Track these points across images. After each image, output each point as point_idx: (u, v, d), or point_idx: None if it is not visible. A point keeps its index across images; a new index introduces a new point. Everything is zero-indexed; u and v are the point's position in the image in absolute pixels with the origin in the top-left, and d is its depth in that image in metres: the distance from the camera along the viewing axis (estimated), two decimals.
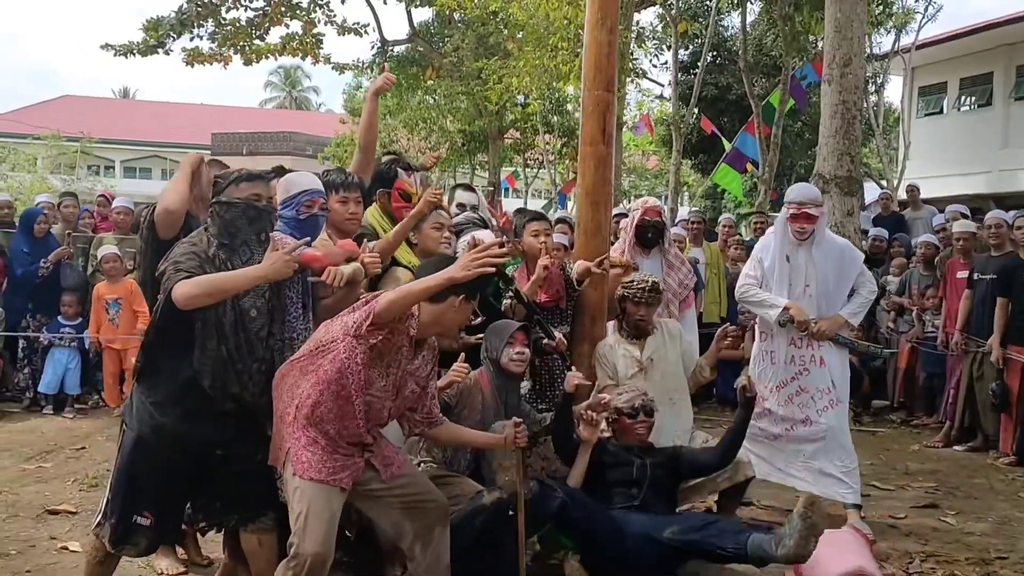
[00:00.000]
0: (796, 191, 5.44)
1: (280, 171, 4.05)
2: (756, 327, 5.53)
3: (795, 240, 5.27)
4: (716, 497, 4.90)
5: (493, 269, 3.30)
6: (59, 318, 8.45)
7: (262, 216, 3.58)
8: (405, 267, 4.43)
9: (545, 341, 4.66)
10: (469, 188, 6.52)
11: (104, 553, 3.53)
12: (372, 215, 4.82)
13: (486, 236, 4.89)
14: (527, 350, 4.26)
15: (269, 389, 3.47)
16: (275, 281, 3.46)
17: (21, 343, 8.52)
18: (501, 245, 3.36)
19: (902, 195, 15.20)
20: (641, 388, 4.72)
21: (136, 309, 8.04)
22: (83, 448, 6.87)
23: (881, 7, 16.03)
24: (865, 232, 10.08)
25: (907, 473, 6.69)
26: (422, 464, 4.08)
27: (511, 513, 3.84)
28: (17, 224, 8.97)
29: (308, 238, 3.64)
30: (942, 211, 10.23)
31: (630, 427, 4.55)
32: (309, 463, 3.28)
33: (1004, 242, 7.40)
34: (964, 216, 8.93)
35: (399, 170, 4.97)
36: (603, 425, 4.43)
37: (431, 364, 3.65)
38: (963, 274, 7.72)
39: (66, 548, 4.62)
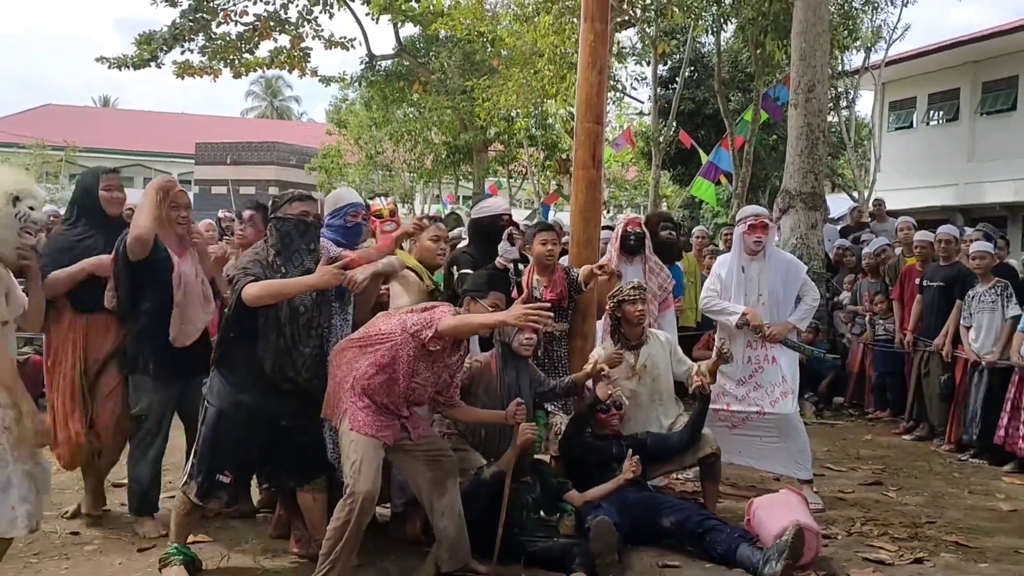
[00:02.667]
0: (748, 210, 6.21)
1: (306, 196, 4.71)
2: (717, 335, 6.19)
3: (749, 254, 5.97)
4: (697, 481, 5.64)
5: (541, 327, 4.10)
6: None
7: (310, 229, 4.31)
8: (410, 269, 5.10)
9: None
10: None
11: (191, 506, 4.19)
12: None
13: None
14: (535, 336, 4.90)
15: (320, 372, 4.19)
16: (323, 289, 4.20)
17: None
18: (549, 309, 4.06)
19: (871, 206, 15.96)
20: (631, 390, 5.42)
21: None
22: None
23: (847, 32, 16.73)
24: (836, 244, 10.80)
25: (858, 458, 7.38)
26: (445, 434, 4.77)
27: (525, 479, 4.64)
28: None
29: (348, 260, 4.38)
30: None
31: (605, 419, 5.24)
32: (363, 421, 3.97)
33: (952, 254, 8.10)
34: (915, 228, 9.57)
35: (368, 201, 5.79)
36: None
37: (461, 360, 4.39)
38: (919, 280, 8.42)
39: None
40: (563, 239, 6.90)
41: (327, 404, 4.15)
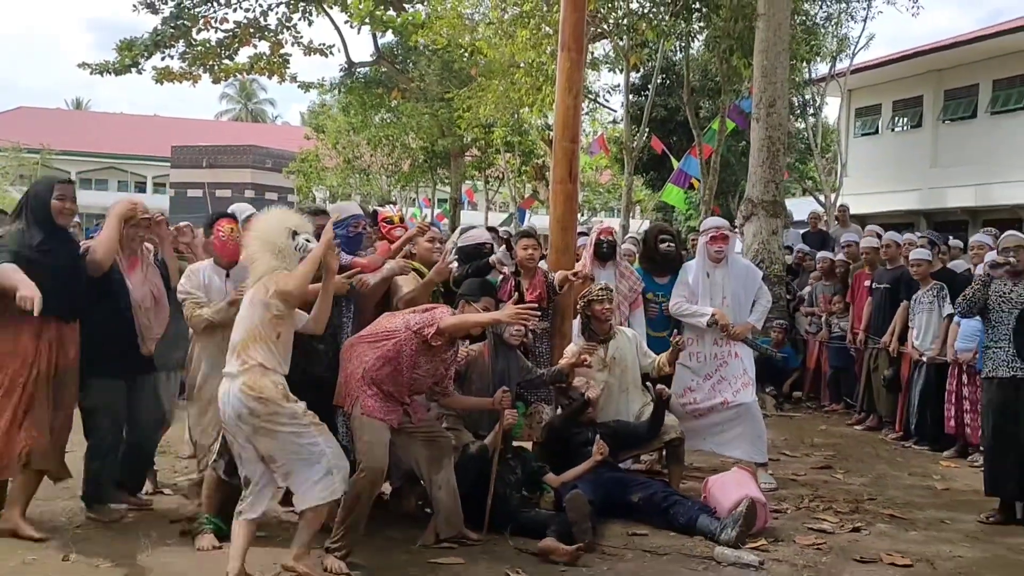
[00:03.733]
0: (710, 222, 6.95)
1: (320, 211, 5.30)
2: (686, 335, 6.78)
3: (712, 262, 6.62)
4: (662, 461, 6.41)
5: (531, 323, 4.87)
6: None
7: None
8: (414, 269, 5.69)
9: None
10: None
11: (219, 482, 4.73)
12: None
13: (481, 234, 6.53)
14: (523, 328, 5.45)
15: (332, 365, 4.77)
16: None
17: None
18: (537, 308, 4.82)
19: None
20: (602, 380, 6.04)
21: None
22: None
23: (809, 48, 17.41)
24: (790, 248, 11.45)
25: (812, 445, 8.05)
26: (442, 416, 5.37)
27: (508, 456, 5.29)
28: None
29: (359, 268, 5.10)
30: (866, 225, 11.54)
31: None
32: (372, 407, 4.55)
33: (897, 257, 8.78)
34: (875, 235, 10.21)
35: (377, 209, 6.39)
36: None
37: (455, 356, 5.03)
38: (868, 283, 9.09)
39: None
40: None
41: (339, 393, 4.71)
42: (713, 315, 6.49)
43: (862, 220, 17.89)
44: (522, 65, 15.70)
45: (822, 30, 18.61)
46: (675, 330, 6.62)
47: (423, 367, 4.72)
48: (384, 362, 4.59)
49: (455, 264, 6.20)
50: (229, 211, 5.58)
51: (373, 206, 6.27)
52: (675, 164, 17.83)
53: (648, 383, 6.12)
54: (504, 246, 6.85)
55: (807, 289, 10.49)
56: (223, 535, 4.65)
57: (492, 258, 6.26)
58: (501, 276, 6.18)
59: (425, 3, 20.94)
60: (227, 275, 5.20)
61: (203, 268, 5.23)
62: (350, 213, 5.43)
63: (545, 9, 14.96)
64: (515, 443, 5.48)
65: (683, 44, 16.31)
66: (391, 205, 6.66)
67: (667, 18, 14.78)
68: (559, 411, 6.01)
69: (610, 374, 6.17)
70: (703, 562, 4.77)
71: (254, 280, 4.34)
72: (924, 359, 8.00)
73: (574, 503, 4.98)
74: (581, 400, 5.74)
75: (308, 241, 4.41)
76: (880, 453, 7.79)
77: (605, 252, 6.92)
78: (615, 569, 4.64)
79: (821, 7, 18.85)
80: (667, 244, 7.22)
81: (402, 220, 6.31)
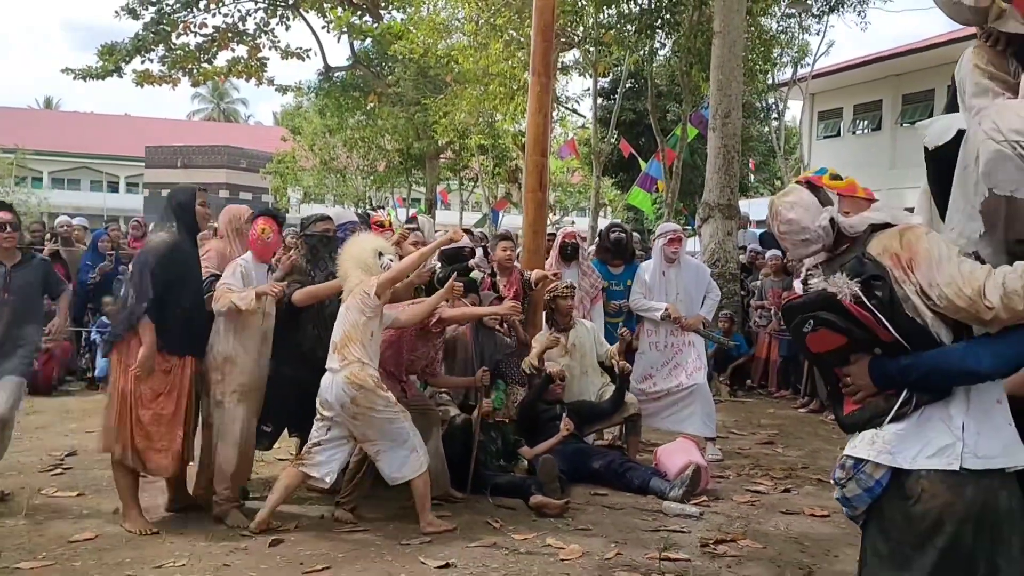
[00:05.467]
0: (666, 226, 7.92)
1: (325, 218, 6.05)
2: (645, 327, 7.68)
3: (667, 262, 7.51)
4: (622, 436, 7.30)
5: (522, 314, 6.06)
6: (103, 317, 10.20)
7: (332, 242, 5.72)
8: None
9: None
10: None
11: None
12: None
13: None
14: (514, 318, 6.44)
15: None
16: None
17: (83, 335, 10.41)
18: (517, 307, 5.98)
19: None
20: (565, 363, 6.88)
21: None
22: None
23: (764, 60, 18.23)
24: (743, 248, 12.33)
25: (759, 425, 8.94)
26: (434, 394, 6.23)
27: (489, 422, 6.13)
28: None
29: None
30: None
31: (551, 389, 6.70)
32: None
33: None
34: None
35: (369, 213, 7.15)
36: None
37: (443, 343, 5.92)
38: None
39: None
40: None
41: None
42: (666, 309, 7.38)
43: None
44: (495, 75, 16.47)
45: (778, 41, 19.48)
46: (624, 326, 7.54)
47: (419, 350, 5.61)
48: (387, 346, 5.42)
49: (438, 265, 7.00)
50: (271, 209, 5.92)
51: (364, 209, 7.04)
52: (643, 166, 18.64)
53: (615, 361, 6.96)
54: (481, 251, 7.74)
55: (756, 283, 11.38)
56: (245, 494, 5.48)
57: (471, 262, 7.07)
58: (480, 275, 7.01)
59: (402, 12, 21.60)
60: (268, 270, 5.50)
61: (244, 261, 5.29)
62: (347, 219, 6.34)
63: (518, 20, 15.77)
64: (496, 419, 6.27)
65: (647, 56, 17.14)
66: (381, 210, 7.47)
67: (632, 34, 15.63)
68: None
69: (571, 359, 7.05)
70: (652, 514, 5.63)
71: (347, 293, 5.17)
72: None
73: (545, 466, 5.83)
74: (544, 377, 6.56)
75: (391, 260, 5.36)
76: (819, 432, 8.68)
77: (569, 253, 7.83)
78: (578, 519, 5.47)
79: (777, 21, 19.75)
80: (616, 233, 8.12)
81: (391, 224, 7.15)
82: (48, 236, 10.92)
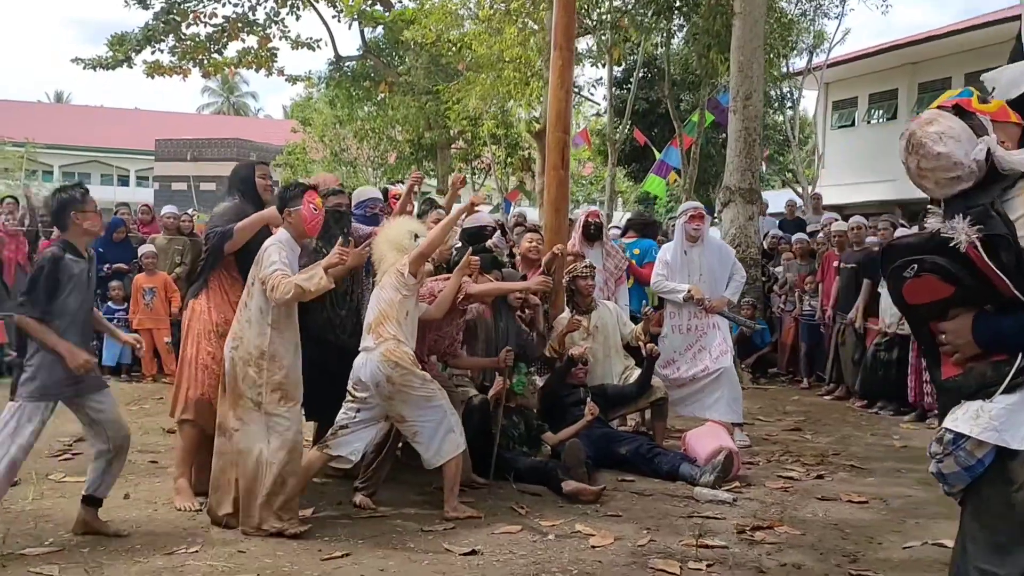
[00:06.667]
0: (687, 204, 7.71)
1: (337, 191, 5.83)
2: (667, 310, 7.45)
3: (689, 241, 7.25)
4: (646, 422, 7.12)
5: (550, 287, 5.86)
6: (109, 303, 10.04)
7: (343, 218, 5.51)
8: None
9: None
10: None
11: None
12: None
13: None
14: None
15: (356, 331, 5.25)
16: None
17: None
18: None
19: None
20: (588, 346, 6.65)
21: (169, 296, 9.76)
22: (145, 404, 8.46)
23: (783, 43, 17.98)
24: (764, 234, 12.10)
25: (785, 412, 8.71)
26: (453, 376, 5.99)
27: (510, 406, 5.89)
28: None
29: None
30: (846, 217, 12.18)
31: (574, 372, 6.46)
32: None
33: (862, 240, 9.42)
34: (838, 220, 10.87)
35: (387, 187, 7.14)
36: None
37: (465, 322, 5.73)
38: (837, 263, 9.74)
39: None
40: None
41: None
42: (689, 291, 7.12)
43: (839, 210, 18.33)
44: (509, 61, 16.22)
45: (797, 26, 19.18)
46: (649, 306, 7.30)
47: (443, 330, 5.43)
48: None
49: (458, 244, 6.79)
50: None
51: (384, 185, 6.87)
52: (657, 155, 18.40)
53: (640, 341, 6.74)
54: (499, 231, 7.54)
55: (779, 268, 11.14)
56: None
57: (488, 243, 6.89)
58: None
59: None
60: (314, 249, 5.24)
61: (285, 240, 4.79)
62: (369, 196, 6.17)
63: (531, 6, 15.53)
64: (517, 403, 6.02)
65: (664, 40, 16.87)
66: (400, 184, 7.30)
67: (649, 16, 15.37)
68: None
69: (594, 341, 6.82)
70: (683, 500, 5.40)
71: (382, 272, 5.04)
72: (889, 332, 8.61)
73: (571, 451, 5.61)
74: (566, 359, 6.35)
75: None
76: (847, 419, 8.44)
77: (592, 233, 7.56)
78: (607, 506, 5.25)
79: (796, 5, 19.45)
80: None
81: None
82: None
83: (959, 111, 2.31)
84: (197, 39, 22.42)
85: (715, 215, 11.99)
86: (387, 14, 21.74)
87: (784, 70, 21.39)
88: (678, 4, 15.30)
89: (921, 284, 2.22)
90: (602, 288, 7.27)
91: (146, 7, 21.99)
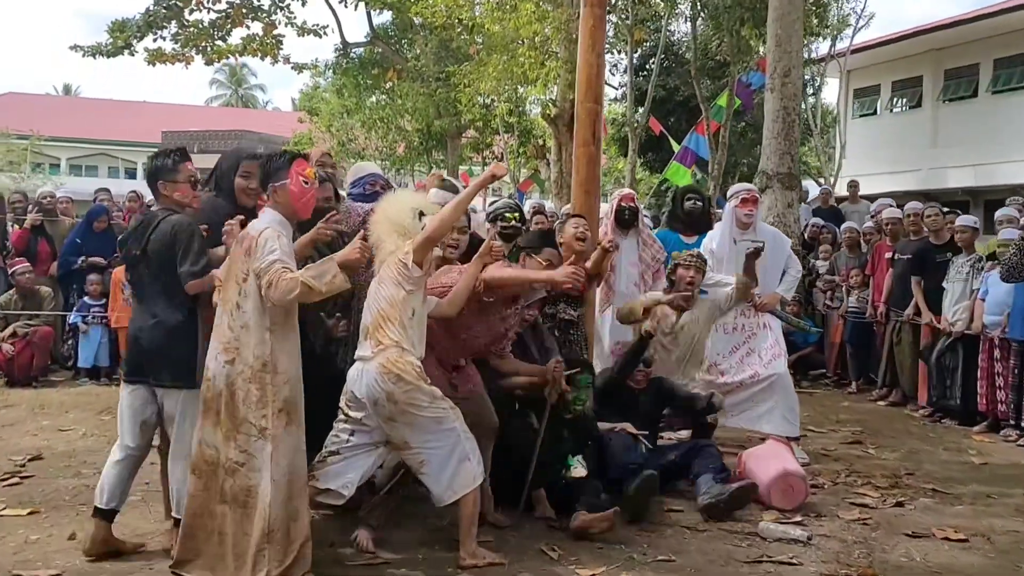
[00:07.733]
0: (739, 186, 6.73)
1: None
2: None
3: (740, 228, 6.34)
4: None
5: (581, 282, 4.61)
6: (85, 298, 9.19)
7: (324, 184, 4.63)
8: None
9: None
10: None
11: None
12: None
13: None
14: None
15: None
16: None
17: (65, 319, 9.39)
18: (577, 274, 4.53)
19: (839, 191, 16.40)
20: (665, 346, 5.86)
21: None
22: None
23: (818, 20, 17.17)
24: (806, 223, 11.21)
25: (838, 421, 7.81)
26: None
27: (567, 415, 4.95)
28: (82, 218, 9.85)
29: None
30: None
31: (633, 374, 5.58)
32: None
33: (920, 228, 8.53)
34: (891, 207, 10.00)
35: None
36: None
37: (516, 315, 4.66)
38: (889, 255, 8.85)
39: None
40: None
41: None
42: (738, 283, 6.19)
43: (870, 200, 17.72)
44: (524, 42, 15.34)
45: (831, 4, 18.35)
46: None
47: (474, 328, 4.46)
48: (437, 323, 4.31)
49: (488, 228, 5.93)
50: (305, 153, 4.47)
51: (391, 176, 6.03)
52: (674, 146, 17.54)
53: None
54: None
55: (819, 262, 10.27)
56: None
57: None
58: None
59: None
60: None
61: (277, 222, 3.89)
62: (368, 172, 5.36)
63: None
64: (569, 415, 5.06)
65: (691, 16, 15.95)
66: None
67: None
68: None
69: (674, 342, 5.95)
70: (746, 538, 4.54)
71: (380, 261, 4.10)
72: (953, 330, 7.73)
73: (647, 483, 4.76)
74: (638, 338, 5.54)
75: None
76: (910, 429, 7.58)
77: (627, 219, 6.64)
78: (656, 545, 4.39)
79: None
80: (692, 202, 6.98)
81: None
82: (32, 208, 9.86)
83: None
84: (200, 25, 21.81)
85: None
86: None
87: (807, 55, 20.61)
88: None
89: None
90: (638, 283, 6.39)
91: None
